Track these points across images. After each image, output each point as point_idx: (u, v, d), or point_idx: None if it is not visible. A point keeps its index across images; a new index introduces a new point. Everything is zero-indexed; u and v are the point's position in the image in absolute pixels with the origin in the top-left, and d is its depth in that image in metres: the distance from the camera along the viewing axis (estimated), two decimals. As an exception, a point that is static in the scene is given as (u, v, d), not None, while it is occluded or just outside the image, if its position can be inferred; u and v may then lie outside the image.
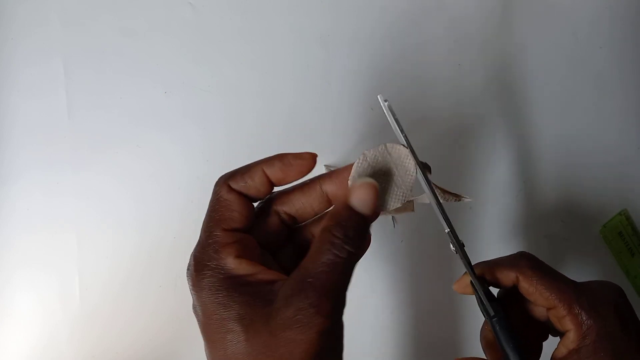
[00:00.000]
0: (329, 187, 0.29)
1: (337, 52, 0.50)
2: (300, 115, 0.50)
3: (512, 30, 0.50)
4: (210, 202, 0.29)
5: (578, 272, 0.49)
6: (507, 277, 0.32)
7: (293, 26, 0.51)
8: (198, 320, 0.28)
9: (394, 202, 0.29)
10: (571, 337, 0.30)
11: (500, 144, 0.50)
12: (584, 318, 0.29)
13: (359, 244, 0.26)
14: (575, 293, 0.30)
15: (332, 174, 0.30)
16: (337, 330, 0.26)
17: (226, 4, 0.51)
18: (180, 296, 0.48)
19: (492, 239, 0.49)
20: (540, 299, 0.31)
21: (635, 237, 0.49)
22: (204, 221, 0.29)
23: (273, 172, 0.29)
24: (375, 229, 0.49)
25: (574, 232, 0.49)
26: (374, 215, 0.27)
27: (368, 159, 0.29)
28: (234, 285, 0.26)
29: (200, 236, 0.28)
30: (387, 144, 0.29)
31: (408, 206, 0.33)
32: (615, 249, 0.49)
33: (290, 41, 0.51)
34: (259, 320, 0.25)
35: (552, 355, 0.32)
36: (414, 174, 0.29)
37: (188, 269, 0.28)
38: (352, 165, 0.29)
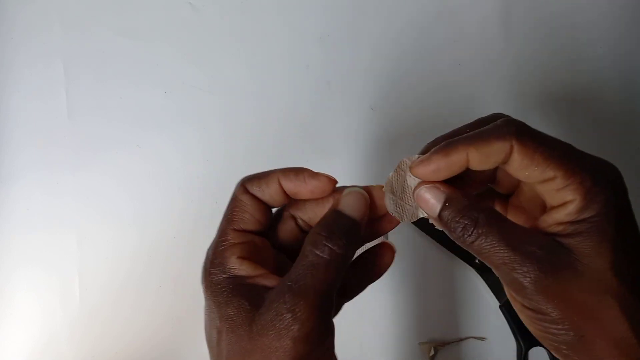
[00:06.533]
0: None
1: (337, 52, 0.50)
2: (300, 115, 0.50)
3: (512, 30, 0.50)
4: (229, 201, 0.29)
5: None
6: (499, 151, 0.25)
7: (292, 26, 0.51)
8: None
9: (407, 215, 0.29)
10: (571, 208, 0.25)
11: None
12: (589, 186, 0.25)
13: (345, 244, 0.26)
14: (578, 162, 0.26)
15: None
16: (321, 335, 0.25)
17: (226, 4, 0.51)
18: (179, 296, 0.48)
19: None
20: (536, 172, 0.25)
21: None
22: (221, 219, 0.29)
23: (287, 184, 0.28)
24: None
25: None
26: (362, 219, 0.28)
27: (389, 181, 0.29)
28: (233, 285, 0.26)
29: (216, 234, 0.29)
30: (402, 160, 0.29)
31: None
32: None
33: (290, 41, 0.51)
34: (243, 323, 0.25)
35: (537, 224, 0.27)
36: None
37: (202, 266, 0.28)
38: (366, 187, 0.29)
